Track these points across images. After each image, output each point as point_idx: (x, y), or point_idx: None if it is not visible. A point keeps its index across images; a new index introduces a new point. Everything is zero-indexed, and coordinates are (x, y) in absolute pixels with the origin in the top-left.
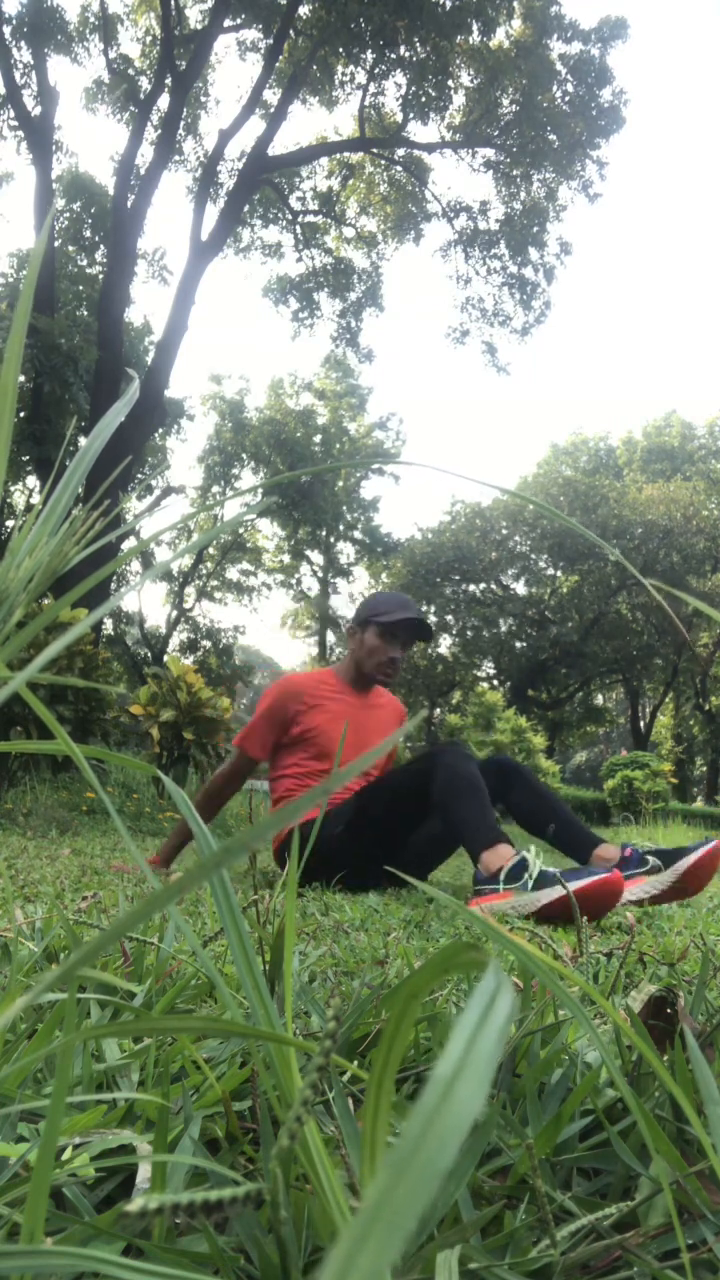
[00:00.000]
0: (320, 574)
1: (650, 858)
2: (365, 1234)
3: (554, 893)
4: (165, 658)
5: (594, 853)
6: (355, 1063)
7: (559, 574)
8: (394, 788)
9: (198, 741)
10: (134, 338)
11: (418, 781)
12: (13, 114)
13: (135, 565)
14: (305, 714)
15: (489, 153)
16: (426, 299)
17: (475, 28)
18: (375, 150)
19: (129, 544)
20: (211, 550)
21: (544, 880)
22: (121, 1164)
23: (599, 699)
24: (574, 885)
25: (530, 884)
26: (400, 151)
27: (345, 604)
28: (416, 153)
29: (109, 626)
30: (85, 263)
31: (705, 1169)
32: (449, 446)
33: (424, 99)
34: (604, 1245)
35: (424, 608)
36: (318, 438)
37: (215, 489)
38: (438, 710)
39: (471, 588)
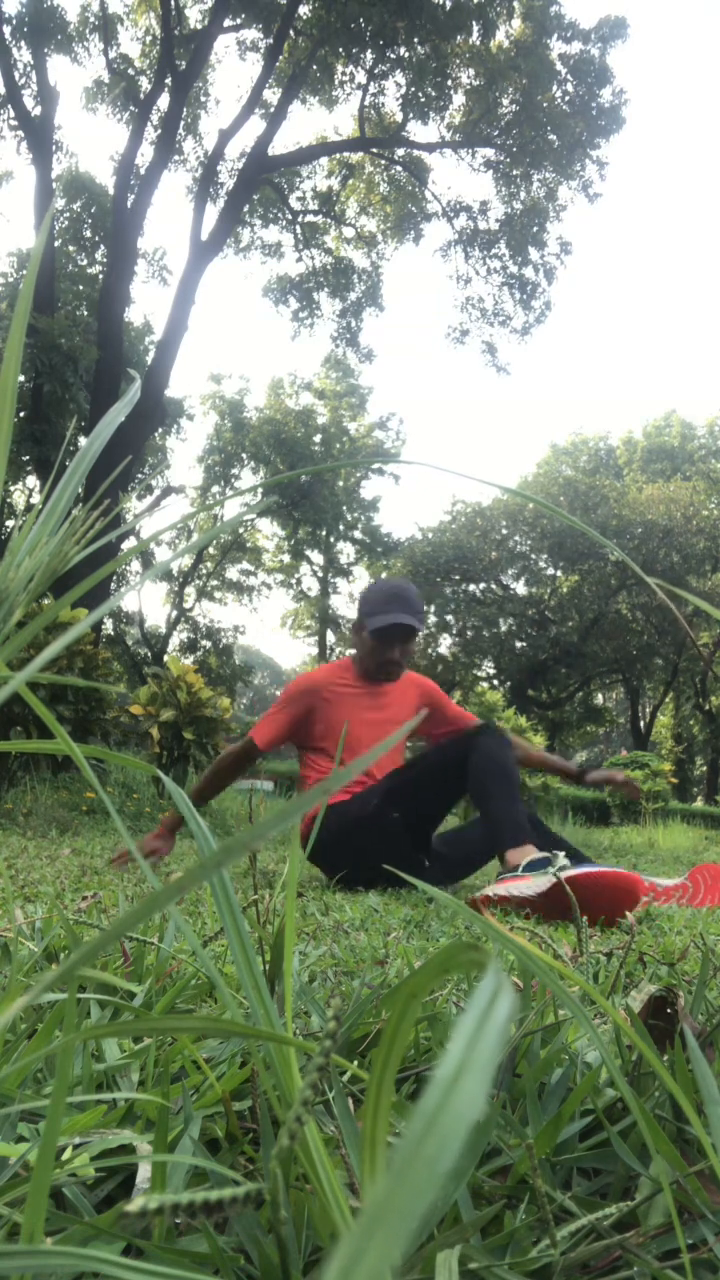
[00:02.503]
0: (320, 574)
1: (561, 858)
2: (368, 1235)
3: (571, 870)
4: (165, 658)
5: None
6: (355, 1063)
7: (559, 574)
8: (430, 767)
9: (198, 741)
10: (134, 338)
11: (455, 762)
12: (13, 114)
13: (135, 565)
14: (320, 710)
15: (489, 153)
16: (426, 299)
17: (475, 28)
18: (375, 150)
19: (129, 544)
20: (211, 550)
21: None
22: (121, 1164)
23: (599, 699)
24: (591, 870)
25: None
26: (400, 151)
27: (345, 604)
28: (416, 153)
29: (109, 626)
30: (85, 263)
31: (705, 1169)
32: (449, 446)
33: (424, 99)
34: (604, 1245)
35: (424, 608)
36: (318, 438)
37: (215, 489)
38: None
39: (471, 588)
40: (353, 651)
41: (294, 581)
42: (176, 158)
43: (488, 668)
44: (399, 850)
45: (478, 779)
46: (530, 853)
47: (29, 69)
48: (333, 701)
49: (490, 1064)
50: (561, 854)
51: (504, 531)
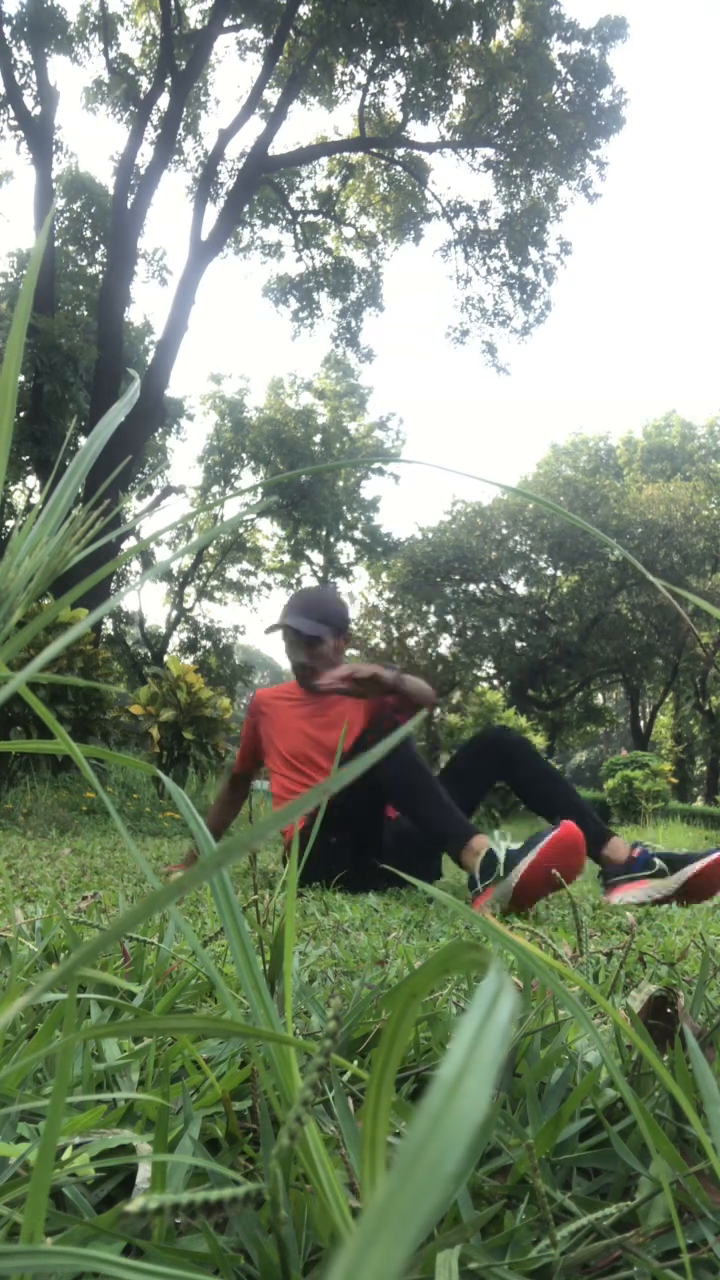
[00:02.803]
0: (320, 574)
1: (657, 860)
2: (371, 1238)
3: (521, 869)
4: (165, 658)
5: (604, 850)
6: (355, 1063)
7: (559, 574)
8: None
9: (198, 741)
10: (134, 338)
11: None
12: (13, 114)
13: (135, 565)
14: (263, 726)
15: (489, 153)
16: (426, 299)
17: (475, 28)
18: (375, 150)
19: (129, 544)
20: (211, 550)
21: (512, 860)
22: (121, 1164)
23: (599, 699)
24: (532, 856)
25: (502, 872)
26: (400, 151)
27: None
28: (416, 153)
29: (109, 626)
30: (85, 263)
31: (705, 1169)
32: (449, 446)
33: (424, 99)
34: (604, 1245)
35: (424, 608)
36: (318, 437)
37: (215, 489)
38: (438, 710)
39: (471, 587)
40: None
41: (294, 582)
42: (176, 158)
43: (488, 668)
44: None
45: (400, 788)
46: (480, 846)
47: (29, 69)
48: (270, 715)
49: (493, 1066)
50: (495, 834)
51: (504, 531)
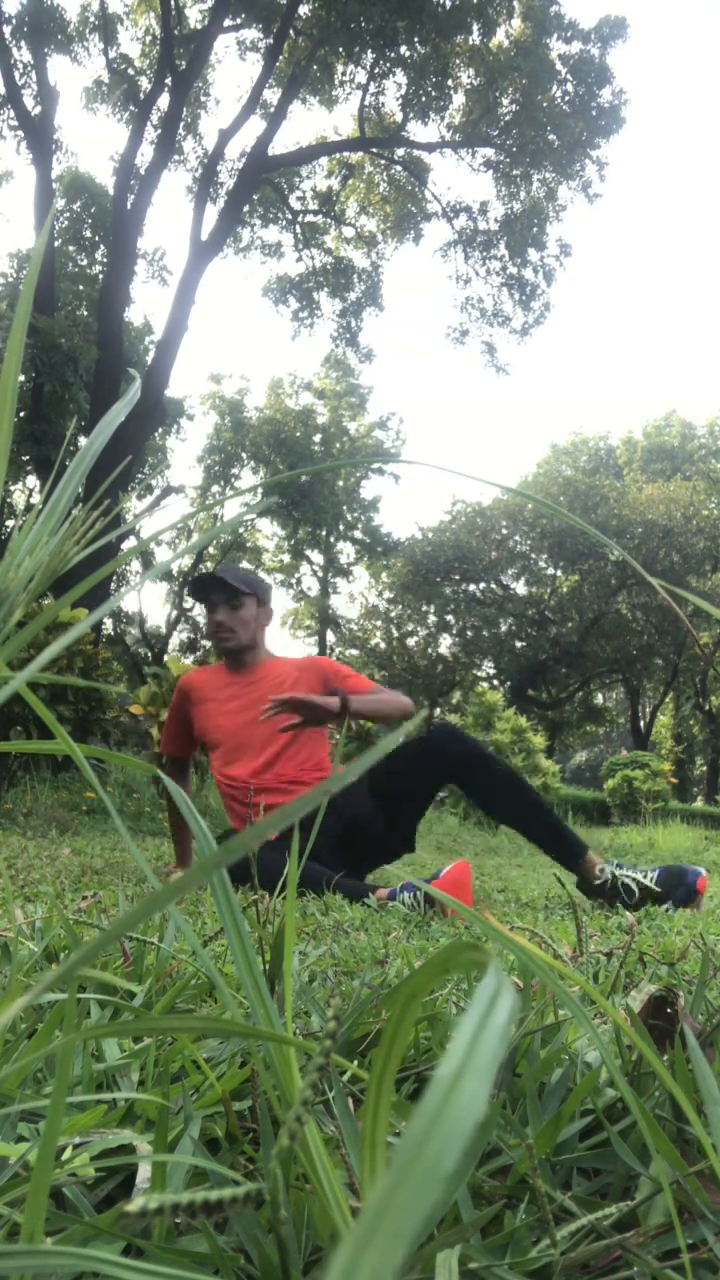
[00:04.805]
0: (320, 574)
1: (629, 883)
2: (369, 1237)
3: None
4: (165, 658)
5: (581, 863)
6: (355, 1063)
7: (559, 574)
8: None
9: None
10: (134, 338)
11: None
12: (13, 114)
13: (135, 565)
14: (195, 713)
15: (489, 153)
16: (426, 299)
17: (475, 28)
18: (375, 150)
19: (129, 544)
20: (211, 550)
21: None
22: (121, 1164)
23: (599, 699)
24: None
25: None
26: (400, 151)
27: (345, 604)
28: (416, 153)
29: (109, 626)
30: (85, 263)
31: (705, 1169)
32: (449, 446)
33: (424, 99)
34: (604, 1245)
35: (424, 608)
36: (318, 437)
37: (215, 489)
38: (438, 710)
39: (471, 587)
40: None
41: (294, 581)
42: (176, 158)
43: (488, 668)
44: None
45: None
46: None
47: (29, 69)
48: (197, 701)
49: (492, 1065)
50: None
51: (504, 531)
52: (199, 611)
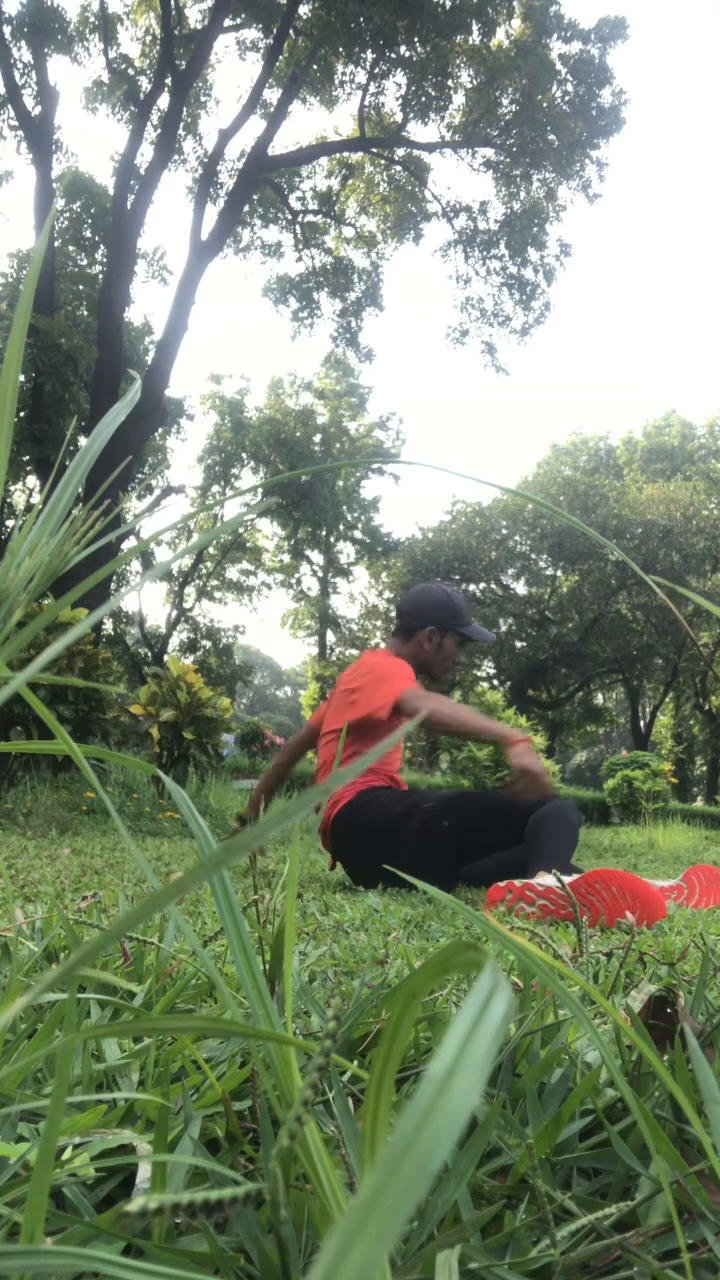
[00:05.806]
0: (320, 574)
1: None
2: (357, 1230)
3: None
4: (165, 658)
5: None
6: (355, 1063)
7: (559, 574)
8: (498, 808)
9: (198, 741)
10: (134, 338)
11: (521, 815)
12: (13, 114)
13: (135, 565)
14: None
15: (489, 153)
16: (426, 299)
17: (475, 28)
18: (375, 150)
19: (129, 544)
20: (211, 550)
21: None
22: (121, 1164)
23: (599, 699)
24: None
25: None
26: (400, 151)
27: (345, 604)
28: (416, 152)
29: (109, 626)
30: (85, 263)
31: (705, 1169)
32: (449, 446)
33: (424, 99)
34: (604, 1245)
35: None
36: (317, 437)
37: (215, 489)
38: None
39: (471, 587)
40: (387, 647)
41: (294, 581)
42: (176, 158)
43: (488, 668)
44: (438, 858)
45: (539, 828)
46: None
47: (29, 69)
48: None
49: (484, 1062)
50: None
51: (504, 531)
52: (199, 611)
